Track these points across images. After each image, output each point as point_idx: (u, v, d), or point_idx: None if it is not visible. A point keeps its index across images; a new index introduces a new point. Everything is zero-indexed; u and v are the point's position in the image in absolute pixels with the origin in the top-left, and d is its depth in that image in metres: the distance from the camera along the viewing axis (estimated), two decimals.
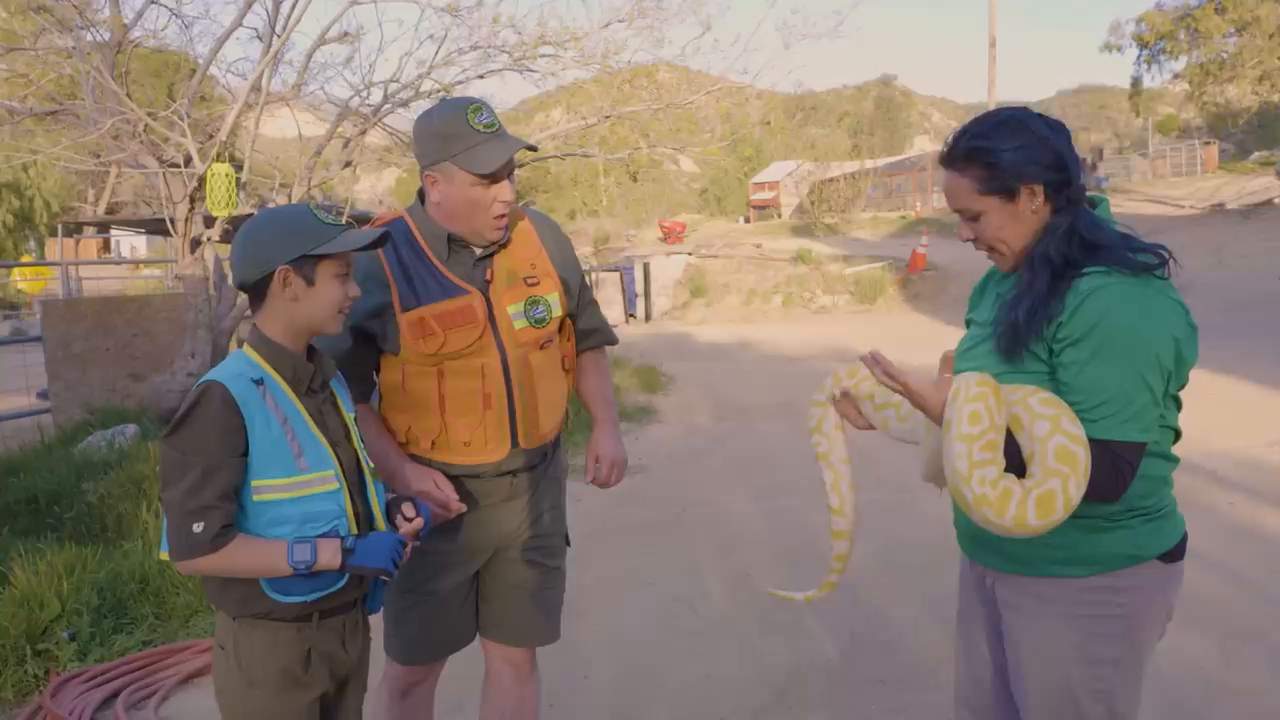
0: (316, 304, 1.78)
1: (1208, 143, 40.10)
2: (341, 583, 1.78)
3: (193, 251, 7.40)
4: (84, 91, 7.52)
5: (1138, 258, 1.61)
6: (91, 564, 4.09)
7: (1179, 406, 1.72)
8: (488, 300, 2.13)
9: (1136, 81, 35.60)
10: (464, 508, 2.17)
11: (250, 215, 8.19)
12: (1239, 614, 3.77)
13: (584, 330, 2.39)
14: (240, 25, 7.34)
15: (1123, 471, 1.57)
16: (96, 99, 7.45)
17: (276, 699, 1.77)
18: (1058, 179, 1.66)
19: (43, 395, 8.64)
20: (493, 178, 2.05)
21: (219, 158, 6.70)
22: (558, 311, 2.23)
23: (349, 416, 1.92)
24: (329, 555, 1.72)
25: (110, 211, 22.61)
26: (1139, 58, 33.77)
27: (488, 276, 2.15)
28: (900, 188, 38.56)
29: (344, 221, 1.90)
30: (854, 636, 3.74)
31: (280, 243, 1.75)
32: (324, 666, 1.82)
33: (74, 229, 19.53)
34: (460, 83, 8.47)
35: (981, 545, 1.78)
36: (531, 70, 8.69)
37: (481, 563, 2.28)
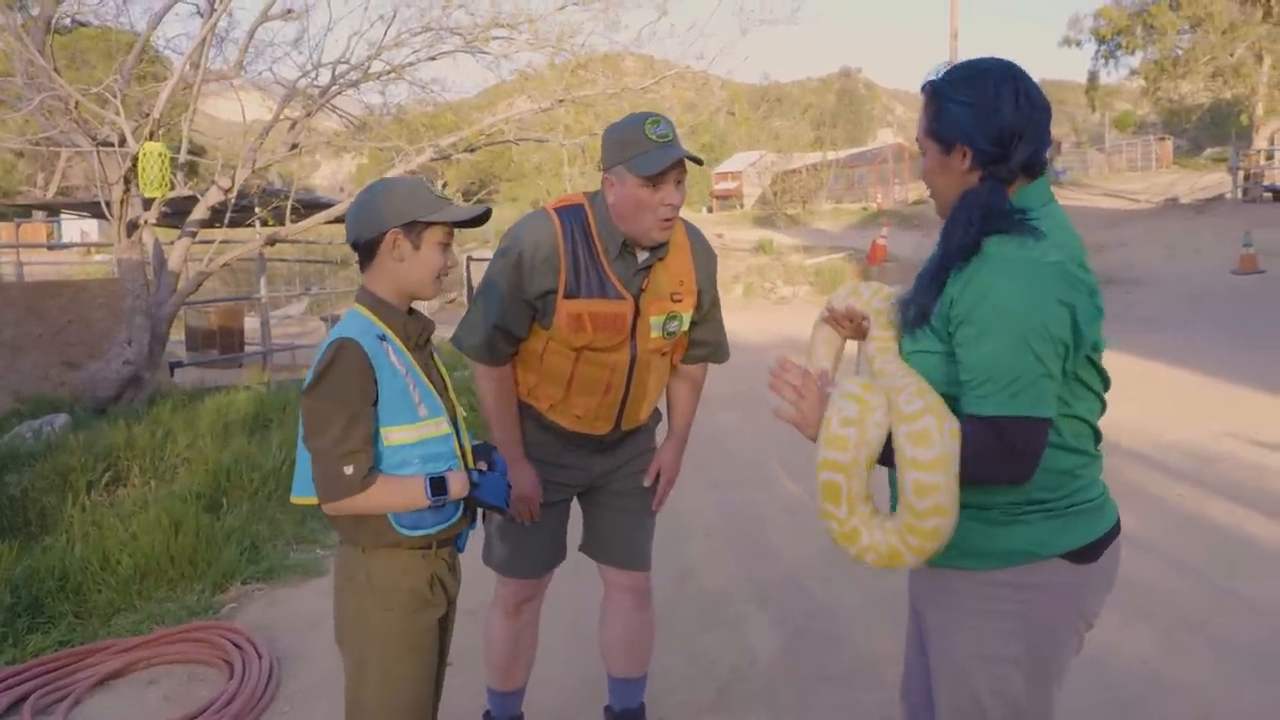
0: (419, 268, 1.93)
1: (1162, 138, 40.76)
2: (457, 516, 1.99)
3: (129, 235, 7.14)
4: (15, 69, 7.24)
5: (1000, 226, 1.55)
6: (7, 559, 3.90)
7: (1103, 404, 1.63)
8: (637, 308, 2.35)
9: (1094, 76, 36.02)
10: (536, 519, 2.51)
11: (190, 198, 7.99)
12: (1185, 605, 3.75)
13: (697, 340, 2.57)
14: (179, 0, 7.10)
15: (1018, 449, 1.47)
16: (31, 76, 7.17)
17: (409, 618, 1.97)
18: (991, 153, 1.57)
19: None
20: (657, 181, 2.21)
21: (152, 136, 6.44)
22: (687, 326, 2.47)
23: (445, 371, 2.10)
24: (459, 486, 1.93)
25: (61, 195, 21.95)
26: (1096, 53, 34.13)
27: (644, 285, 2.35)
28: (862, 179, 38.69)
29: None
30: (798, 631, 3.66)
31: (394, 207, 1.90)
32: (441, 590, 2.03)
33: (18, 212, 18.96)
34: (411, 64, 8.29)
35: None
36: (484, 52, 8.52)
37: (573, 495, 2.61)
